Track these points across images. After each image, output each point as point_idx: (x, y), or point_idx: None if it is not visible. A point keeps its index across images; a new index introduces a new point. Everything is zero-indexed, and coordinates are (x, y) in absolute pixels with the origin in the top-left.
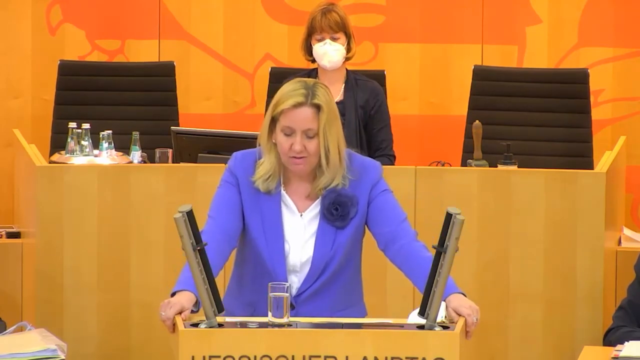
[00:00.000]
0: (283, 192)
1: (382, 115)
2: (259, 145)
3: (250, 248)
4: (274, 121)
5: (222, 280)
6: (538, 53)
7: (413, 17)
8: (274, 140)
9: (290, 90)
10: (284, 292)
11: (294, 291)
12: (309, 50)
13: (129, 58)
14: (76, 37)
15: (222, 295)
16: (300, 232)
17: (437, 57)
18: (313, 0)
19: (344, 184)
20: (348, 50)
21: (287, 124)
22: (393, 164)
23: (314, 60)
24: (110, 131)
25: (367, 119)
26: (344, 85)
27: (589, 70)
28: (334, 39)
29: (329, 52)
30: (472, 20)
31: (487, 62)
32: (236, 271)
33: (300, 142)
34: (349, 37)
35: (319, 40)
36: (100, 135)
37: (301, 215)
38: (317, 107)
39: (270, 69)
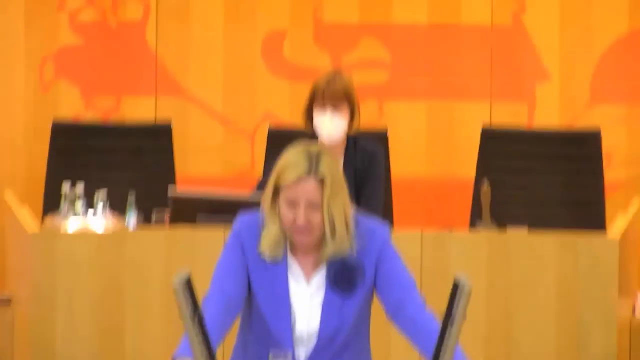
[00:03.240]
0: (290, 259)
1: (374, 174)
2: (263, 210)
3: (255, 315)
4: (276, 190)
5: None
6: (549, 110)
7: (419, 74)
8: (277, 208)
9: (294, 160)
10: None
11: None
12: (310, 119)
13: (125, 116)
14: (70, 95)
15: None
16: (306, 301)
17: (444, 115)
18: (316, 56)
19: (350, 251)
20: (351, 121)
21: (290, 197)
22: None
23: (314, 134)
24: (105, 189)
25: (362, 182)
26: (343, 154)
27: (601, 131)
28: (336, 111)
29: (329, 128)
30: (480, 76)
31: (496, 120)
32: (241, 337)
33: (303, 216)
34: (353, 108)
35: (321, 111)
36: (95, 197)
37: (308, 283)
38: (322, 179)
39: (268, 130)
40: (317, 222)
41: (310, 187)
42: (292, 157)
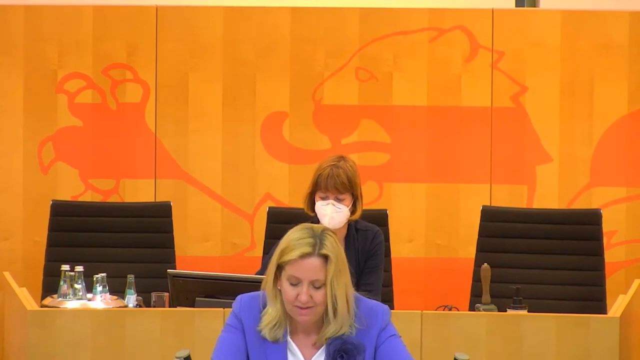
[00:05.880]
0: (289, 340)
1: (375, 263)
2: (264, 289)
3: None
4: (279, 268)
5: None
6: (549, 193)
7: (419, 155)
8: (279, 287)
9: (297, 238)
10: None
11: None
12: (312, 206)
13: (124, 198)
14: (69, 176)
15: None
16: None
17: (443, 197)
18: (315, 138)
19: (350, 330)
20: (353, 210)
21: (294, 274)
22: None
23: (316, 216)
24: (104, 274)
25: (363, 264)
26: (344, 240)
27: (601, 211)
28: (338, 200)
29: (331, 215)
30: (480, 159)
31: (496, 202)
32: None
33: (306, 293)
34: (355, 197)
35: (323, 199)
36: (94, 279)
37: None
38: (325, 258)
39: (267, 209)
40: (319, 300)
41: (314, 265)
42: (296, 235)
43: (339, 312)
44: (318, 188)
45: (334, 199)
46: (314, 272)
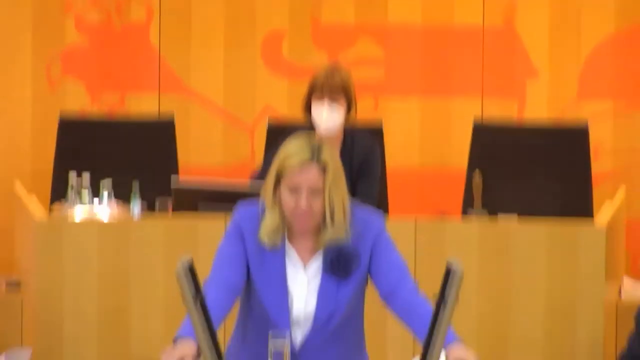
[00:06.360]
0: (287, 246)
1: (369, 171)
2: (263, 198)
3: (254, 300)
4: (278, 177)
5: (222, 330)
6: (538, 105)
7: (413, 70)
8: (278, 196)
9: (296, 147)
10: (284, 340)
11: (297, 344)
12: (308, 110)
13: (129, 111)
14: (76, 90)
15: (223, 345)
16: (303, 286)
17: (437, 109)
18: (313, 56)
19: (346, 237)
20: (348, 113)
21: (293, 182)
22: None
23: (312, 122)
24: (110, 179)
25: (357, 174)
26: (340, 146)
27: (588, 123)
28: (334, 103)
29: (327, 117)
30: (472, 73)
31: (487, 115)
32: (240, 321)
33: (305, 200)
34: (350, 100)
35: (319, 103)
36: (101, 184)
37: (305, 269)
38: (324, 166)
39: (267, 122)
40: (317, 208)
41: (312, 173)
42: (295, 146)
43: (335, 219)
44: (314, 92)
45: (330, 103)
46: (313, 179)
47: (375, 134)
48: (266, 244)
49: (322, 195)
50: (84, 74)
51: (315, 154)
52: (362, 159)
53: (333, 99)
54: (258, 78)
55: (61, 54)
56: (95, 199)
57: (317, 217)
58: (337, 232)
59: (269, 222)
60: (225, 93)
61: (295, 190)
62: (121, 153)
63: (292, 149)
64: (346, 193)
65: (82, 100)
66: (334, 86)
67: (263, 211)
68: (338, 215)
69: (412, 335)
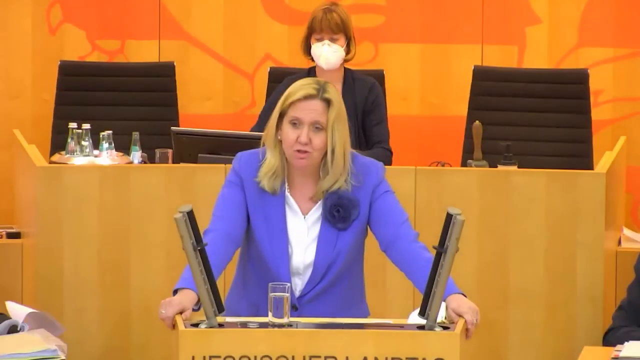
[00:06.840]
0: (287, 193)
1: (378, 111)
2: (264, 144)
3: (253, 249)
4: (282, 115)
5: (222, 280)
6: (538, 53)
7: (413, 17)
8: (279, 137)
9: (302, 84)
10: (284, 292)
11: (297, 293)
12: (307, 49)
13: (129, 58)
14: (76, 38)
15: (223, 295)
16: (303, 234)
17: (437, 57)
18: (314, 0)
19: (346, 186)
20: (347, 52)
21: (296, 115)
22: (390, 158)
23: (312, 59)
24: (110, 131)
25: (364, 115)
26: (342, 85)
27: (588, 71)
28: (333, 40)
29: (327, 54)
30: (472, 20)
31: (487, 63)
32: (240, 271)
33: (307, 134)
34: (349, 39)
35: (318, 40)
36: (101, 136)
37: (304, 217)
38: (328, 102)
39: (269, 69)
40: (318, 143)
41: (316, 106)
42: (300, 83)
43: (335, 162)
44: (313, 30)
45: (329, 40)
46: (316, 113)
47: (376, 80)
48: (266, 188)
49: (324, 132)
50: (84, 21)
51: (321, 90)
52: (367, 103)
53: (332, 36)
54: (258, 24)
55: (60, 1)
56: (95, 151)
57: (317, 156)
58: (336, 179)
59: (269, 164)
60: (225, 41)
61: (297, 123)
62: (121, 98)
63: (298, 86)
64: (348, 139)
65: (82, 47)
66: (332, 23)
67: (263, 158)
68: (338, 158)
69: (413, 285)
